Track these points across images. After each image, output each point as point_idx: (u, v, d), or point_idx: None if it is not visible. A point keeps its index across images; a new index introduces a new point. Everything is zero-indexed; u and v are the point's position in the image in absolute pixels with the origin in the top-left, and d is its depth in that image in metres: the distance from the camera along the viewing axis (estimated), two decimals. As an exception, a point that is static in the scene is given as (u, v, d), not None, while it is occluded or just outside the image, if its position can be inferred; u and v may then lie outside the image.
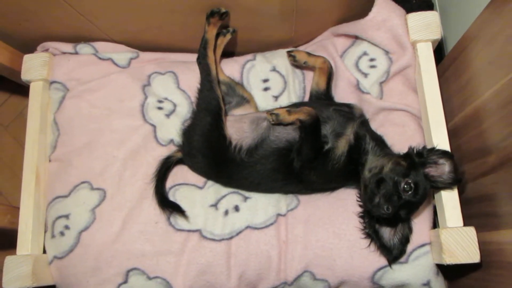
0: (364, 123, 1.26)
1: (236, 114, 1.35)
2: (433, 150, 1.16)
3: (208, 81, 1.26)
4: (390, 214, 1.08)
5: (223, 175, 1.30)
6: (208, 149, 1.26)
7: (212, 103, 1.24)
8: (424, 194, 1.12)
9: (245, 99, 1.38)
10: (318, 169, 1.21)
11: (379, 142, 1.24)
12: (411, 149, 1.17)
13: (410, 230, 1.18)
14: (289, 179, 1.25)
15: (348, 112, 1.26)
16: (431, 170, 1.14)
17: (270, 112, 1.19)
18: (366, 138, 1.22)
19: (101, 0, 1.30)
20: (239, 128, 1.28)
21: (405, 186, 1.09)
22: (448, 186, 1.15)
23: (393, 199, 1.08)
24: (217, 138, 1.24)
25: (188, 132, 1.31)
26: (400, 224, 1.18)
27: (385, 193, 1.09)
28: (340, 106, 1.29)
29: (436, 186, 1.15)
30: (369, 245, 1.20)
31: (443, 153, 1.15)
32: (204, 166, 1.30)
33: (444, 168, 1.14)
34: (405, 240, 1.18)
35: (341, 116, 1.23)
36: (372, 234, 1.19)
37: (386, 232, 1.19)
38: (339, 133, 1.21)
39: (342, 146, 1.19)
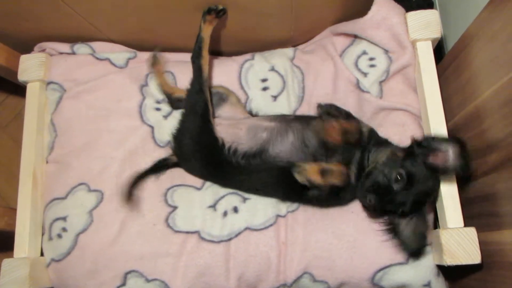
0: (370, 139, 1.22)
1: (224, 115, 1.33)
2: (434, 138, 1.12)
3: (198, 82, 1.24)
4: (376, 206, 1.07)
5: (219, 177, 1.29)
6: (200, 152, 1.24)
7: (200, 105, 1.22)
8: (425, 185, 1.10)
9: (222, 96, 1.35)
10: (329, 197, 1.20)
11: (383, 143, 1.22)
12: (413, 140, 1.14)
13: (424, 224, 1.15)
14: (291, 194, 1.24)
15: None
16: (436, 159, 1.09)
17: (297, 167, 1.09)
18: (371, 150, 1.19)
19: (98, -1, 1.30)
20: (233, 134, 1.25)
21: (397, 177, 1.08)
22: (457, 173, 1.12)
23: (379, 191, 1.07)
24: (208, 140, 1.22)
25: (178, 137, 1.28)
26: (416, 218, 1.14)
27: (371, 184, 1.08)
28: None
29: (446, 174, 1.12)
30: (388, 240, 1.18)
31: (444, 139, 1.12)
32: (199, 168, 1.29)
33: (447, 155, 1.08)
34: (421, 236, 1.15)
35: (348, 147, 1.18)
36: (391, 229, 1.17)
37: (406, 227, 1.16)
38: (346, 163, 1.16)
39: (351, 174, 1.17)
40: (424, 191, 1.11)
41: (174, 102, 1.39)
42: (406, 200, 1.08)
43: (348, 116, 1.20)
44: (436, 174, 1.12)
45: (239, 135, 1.25)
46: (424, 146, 1.11)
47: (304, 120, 1.25)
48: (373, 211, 1.15)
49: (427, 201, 1.14)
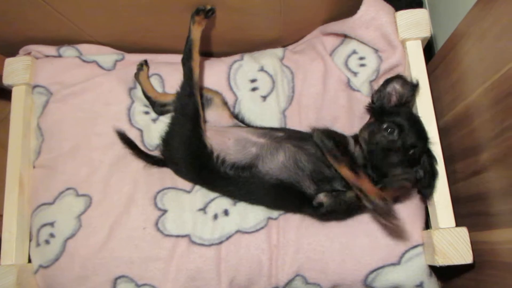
0: None
1: (210, 120, 1.31)
2: (378, 90, 1.21)
3: (189, 85, 1.21)
4: (399, 157, 1.08)
5: (207, 183, 1.28)
6: (189, 157, 1.22)
7: (190, 109, 1.19)
8: (412, 120, 1.14)
9: (207, 97, 1.33)
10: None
11: None
12: (368, 106, 1.23)
13: (430, 164, 1.16)
14: (285, 206, 1.24)
15: None
16: (394, 100, 1.19)
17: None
18: None
19: (83, 1, 1.27)
20: (222, 142, 1.23)
21: (388, 130, 1.11)
22: (414, 94, 1.22)
23: (390, 149, 1.09)
24: (197, 145, 1.20)
25: (167, 139, 1.26)
26: (423, 162, 1.16)
27: (381, 151, 1.10)
28: None
29: (410, 101, 1.20)
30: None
31: (383, 85, 1.20)
32: (188, 172, 1.27)
33: (397, 91, 1.19)
34: (430, 174, 1.16)
35: None
36: (415, 185, 1.18)
37: (421, 173, 1.17)
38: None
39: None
40: (417, 123, 1.16)
41: (158, 108, 1.38)
42: (412, 139, 1.11)
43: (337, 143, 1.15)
44: (406, 108, 1.19)
45: (227, 144, 1.23)
46: (377, 100, 1.20)
47: (294, 140, 1.23)
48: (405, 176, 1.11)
49: (427, 136, 1.17)
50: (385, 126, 1.11)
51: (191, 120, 1.19)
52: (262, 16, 1.35)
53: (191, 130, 1.19)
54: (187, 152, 1.22)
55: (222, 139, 1.24)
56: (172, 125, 1.25)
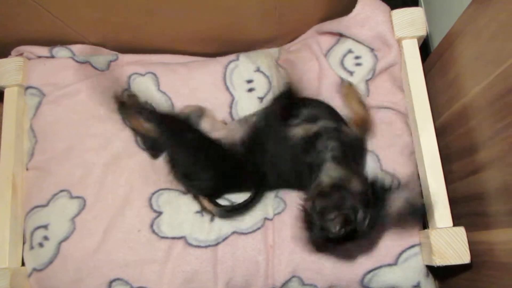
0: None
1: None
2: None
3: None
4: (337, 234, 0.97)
5: (232, 179, 1.24)
6: (204, 160, 1.19)
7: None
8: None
9: (197, 113, 1.30)
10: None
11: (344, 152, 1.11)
12: (375, 179, 1.05)
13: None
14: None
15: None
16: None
17: None
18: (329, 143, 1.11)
19: (75, 1, 1.26)
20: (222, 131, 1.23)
21: (363, 215, 0.98)
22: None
23: (347, 222, 0.97)
24: (207, 142, 1.19)
25: (172, 157, 1.23)
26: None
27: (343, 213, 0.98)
28: None
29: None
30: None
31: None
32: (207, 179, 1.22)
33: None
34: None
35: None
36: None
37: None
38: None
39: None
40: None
41: (152, 144, 1.32)
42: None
43: None
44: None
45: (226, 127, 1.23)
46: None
47: None
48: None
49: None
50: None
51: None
52: (257, 15, 1.35)
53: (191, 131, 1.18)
54: (199, 155, 1.18)
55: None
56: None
